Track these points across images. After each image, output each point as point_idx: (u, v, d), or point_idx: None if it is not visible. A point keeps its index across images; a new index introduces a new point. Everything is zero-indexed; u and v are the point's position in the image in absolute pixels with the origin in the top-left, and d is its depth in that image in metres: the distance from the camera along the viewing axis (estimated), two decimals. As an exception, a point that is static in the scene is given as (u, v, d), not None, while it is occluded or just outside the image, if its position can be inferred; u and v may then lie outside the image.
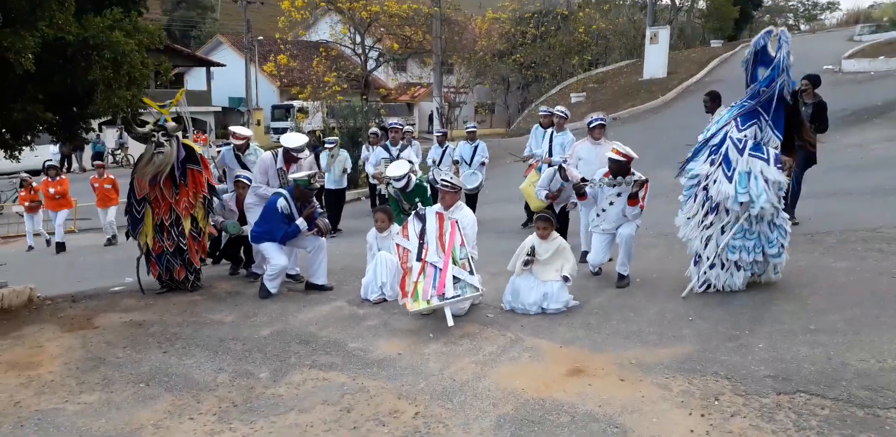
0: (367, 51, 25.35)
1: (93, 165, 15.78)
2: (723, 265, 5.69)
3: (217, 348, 5.23)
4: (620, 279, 6.29)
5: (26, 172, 12.64)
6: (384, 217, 6.45)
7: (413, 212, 6.12)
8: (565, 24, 33.52)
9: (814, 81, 8.07)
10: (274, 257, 6.50)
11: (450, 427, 3.74)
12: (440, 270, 5.50)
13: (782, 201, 5.61)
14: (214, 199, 7.01)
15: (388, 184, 7.41)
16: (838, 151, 13.21)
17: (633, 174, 6.21)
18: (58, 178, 12.29)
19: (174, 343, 5.38)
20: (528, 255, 5.73)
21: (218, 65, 33.12)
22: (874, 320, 4.82)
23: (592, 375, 4.34)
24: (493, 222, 10.14)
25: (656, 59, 25.85)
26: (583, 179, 6.53)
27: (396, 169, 6.91)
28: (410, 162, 8.12)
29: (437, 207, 6.08)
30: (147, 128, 6.51)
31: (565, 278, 5.62)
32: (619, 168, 6.17)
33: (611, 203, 6.32)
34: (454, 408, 3.97)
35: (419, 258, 5.65)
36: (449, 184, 6.06)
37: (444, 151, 10.84)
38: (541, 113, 10.10)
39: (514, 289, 5.76)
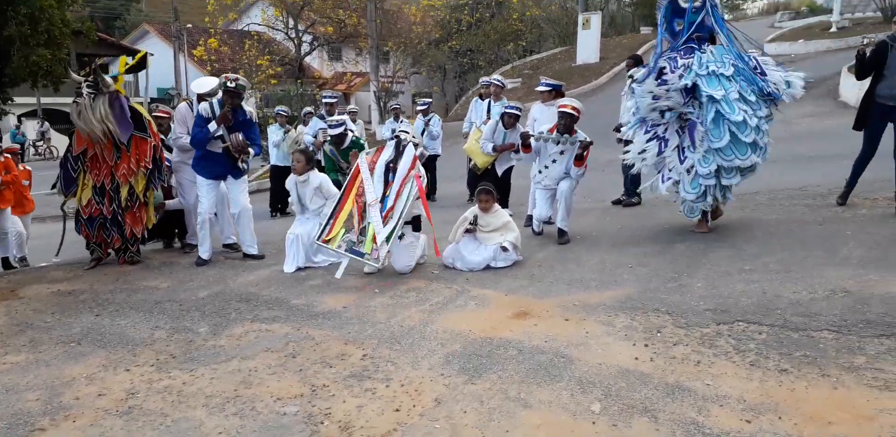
0: (300, 35, 24.88)
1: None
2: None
3: (152, 309, 5.04)
4: (561, 236, 6.35)
5: None
6: (302, 158, 6.18)
7: (396, 139, 5.81)
8: (499, 12, 33.69)
9: None
10: (203, 196, 6.30)
11: (399, 365, 3.70)
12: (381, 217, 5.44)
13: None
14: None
15: (325, 141, 7.26)
16: (764, 124, 13.72)
17: (578, 133, 6.27)
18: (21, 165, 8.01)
19: (106, 307, 5.16)
20: (470, 224, 5.70)
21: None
22: (803, 261, 5.01)
23: (538, 316, 4.36)
24: (437, 198, 10.13)
25: (589, 44, 26.11)
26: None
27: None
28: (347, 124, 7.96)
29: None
30: (77, 77, 5.97)
31: (504, 248, 5.60)
32: (568, 122, 6.22)
33: (553, 161, 6.37)
34: (402, 349, 3.93)
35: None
36: (409, 134, 5.93)
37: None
38: (481, 83, 10.10)
39: (456, 252, 5.72)
